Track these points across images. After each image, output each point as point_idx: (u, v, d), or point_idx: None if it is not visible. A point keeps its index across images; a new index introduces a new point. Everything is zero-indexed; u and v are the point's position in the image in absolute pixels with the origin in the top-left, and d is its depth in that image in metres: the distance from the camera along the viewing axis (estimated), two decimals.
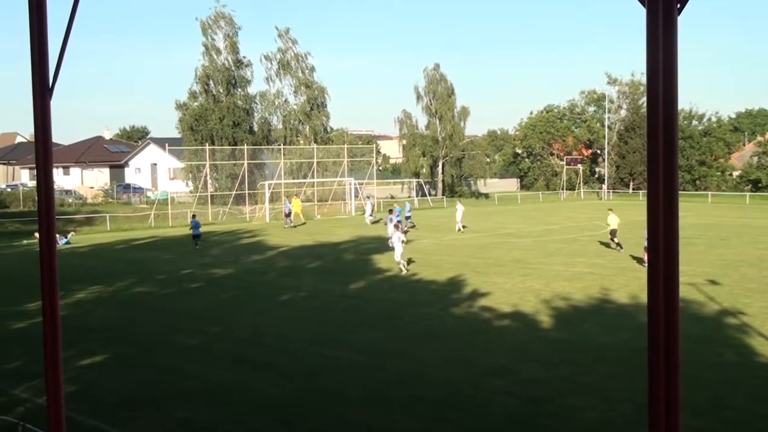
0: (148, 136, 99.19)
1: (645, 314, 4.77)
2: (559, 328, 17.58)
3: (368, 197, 52.93)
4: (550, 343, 16.31)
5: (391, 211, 33.37)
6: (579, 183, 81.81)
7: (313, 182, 59.37)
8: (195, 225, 36.77)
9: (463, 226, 40.81)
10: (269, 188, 53.50)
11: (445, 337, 16.97)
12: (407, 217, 45.23)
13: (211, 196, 55.29)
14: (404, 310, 20.03)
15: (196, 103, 63.92)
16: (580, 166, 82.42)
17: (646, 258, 29.43)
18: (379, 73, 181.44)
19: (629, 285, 22.65)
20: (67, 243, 37.95)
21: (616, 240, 31.68)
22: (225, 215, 53.41)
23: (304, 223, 47.54)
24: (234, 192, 55.97)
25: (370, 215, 48.23)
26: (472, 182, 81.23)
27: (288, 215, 46.40)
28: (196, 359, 15.40)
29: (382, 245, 34.83)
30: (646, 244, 27.76)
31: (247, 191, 54.99)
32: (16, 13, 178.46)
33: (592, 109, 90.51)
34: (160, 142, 74.06)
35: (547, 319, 18.53)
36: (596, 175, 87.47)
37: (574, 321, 18.36)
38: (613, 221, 32.17)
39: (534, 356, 15.14)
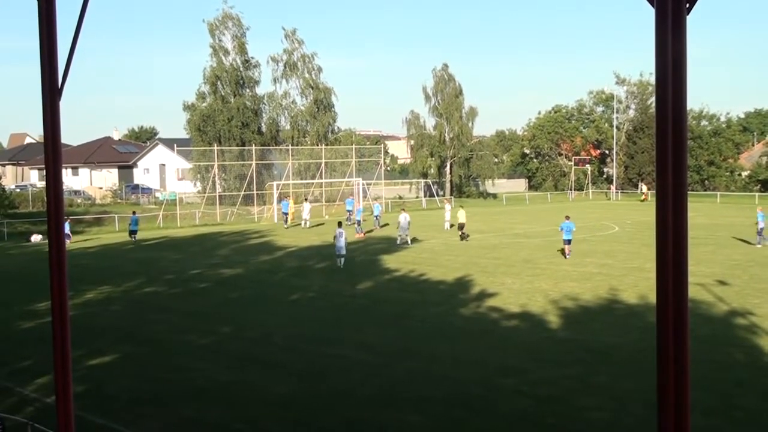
0: (157, 137, 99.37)
1: (654, 314, 4.76)
2: (568, 329, 17.55)
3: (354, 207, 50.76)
4: (559, 343, 16.29)
5: (340, 224, 31.68)
6: (587, 183, 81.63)
7: (321, 183, 59.43)
8: (133, 221, 39.71)
9: (451, 225, 40.84)
10: (277, 188, 53.56)
11: (453, 336, 16.97)
12: (376, 217, 45.19)
13: (220, 196, 55.40)
14: (413, 309, 20.03)
15: (204, 104, 64.06)
16: (588, 167, 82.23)
17: (568, 251, 29.43)
18: (387, 73, 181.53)
19: (638, 285, 22.59)
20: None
21: (462, 232, 36.61)
22: (233, 215, 53.52)
23: (298, 225, 46.91)
24: (242, 192, 56.06)
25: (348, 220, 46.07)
26: (480, 182, 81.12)
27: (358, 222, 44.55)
28: (205, 359, 15.45)
29: (391, 245, 34.84)
30: (564, 237, 28.03)
31: (255, 191, 55.11)
32: (25, 14, 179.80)
33: (600, 109, 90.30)
34: (169, 143, 74.23)
35: (555, 319, 18.50)
36: (604, 176, 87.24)
37: (583, 321, 18.32)
38: (462, 216, 37.18)
39: (543, 356, 15.12)
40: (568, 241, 29.84)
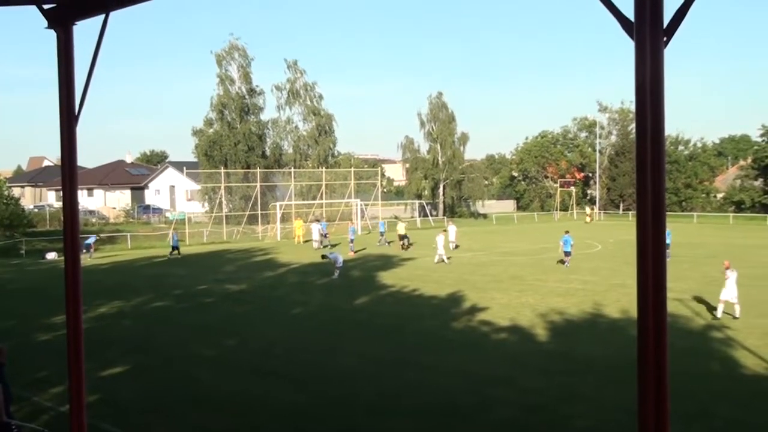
0: (167, 160, 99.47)
1: (635, 328, 4.76)
2: (554, 341, 17.51)
3: (318, 220, 50.15)
4: (545, 354, 16.25)
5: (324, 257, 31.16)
6: (572, 204, 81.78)
7: (322, 203, 59.45)
8: (174, 239, 40.90)
9: (448, 258, 34.90)
10: (280, 209, 53.55)
11: (446, 348, 16.91)
12: (324, 235, 44.93)
13: (226, 216, 55.43)
14: (408, 323, 19.97)
15: (211, 130, 64.18)
16: (573, 188, 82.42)
17: (565, 260, 31.60)
18: (384, 100, 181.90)
19: (620, 300, 22.56)
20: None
21: (405, 243, 40.92)
22: (239, 234, 53.43)
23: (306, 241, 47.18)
24: (247, 212, 56.01)
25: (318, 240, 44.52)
26: (471, 203, 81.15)
27: (325, 236, 44.82)
28: (212, 370, 15.36)
29: (388, 262, 34.80)
30: (563, 249, 30.33)
31: (259, 211, 55.01)
32: (45, 44, 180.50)
33: (584, 134, 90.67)
34: (178, 166, 74.31)
35: (542, 332, 18.46)
36: (588, 197, 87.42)
37: (569, 334, 18.29)
38: (401, 228, 42.14)
39: (530, 367, 15.07)
40: (568, 253, 32.27)
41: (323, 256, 30.98)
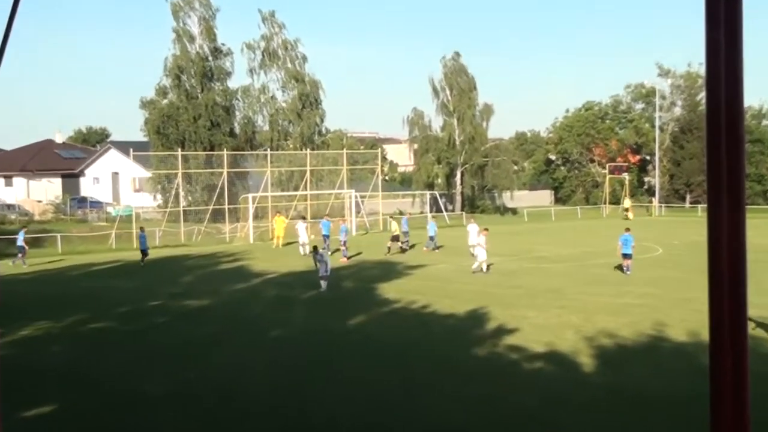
0: (108, 140, 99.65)
1: (706, 355, 4.71)
2: (604, 372, 17.50)
3: (303, 218, 50.07)
4: (591, 388, 16.24)
5: (315, 250, 31.06)
6: (625, 195, 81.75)
7: (306, 195, 59.50)
8: (143, 240, 40.48)
9: (488, 266, 36.45)
10: (254, 202, 53.67)
11: (464, 380, 16.89)
12: (431, 238, 45.03)
13: (184, 211, 55.55)
14: (415, 349, 19.96)
15: (165, 101, 64.39)
16: (626, 176, 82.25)
17: (625, 265, 32.67)
18: (385, 64, 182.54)
19: (687, 320, 22.53)
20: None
21: (401, 243, 43.13)
22: (200, 235, 53.56)
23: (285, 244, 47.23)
24: (211, 207, 56.16)
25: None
26: (496, 195, 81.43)
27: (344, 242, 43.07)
28: (165, 412, 15.31)
29: (390, 271, 34.84)
30: (621, 252, 31.31)
31: (227, 206, 55.13)
32: None
33: (639, 106, 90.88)
34: (123, 147, 74.48)
35: (588, 360, 18.45)
36: (645, 186, 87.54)
37: (622, 363, 18.31)
38: (404, 224, 44.88)
39: (573, 405, 15.05)
40: (627, 255, 32.90)
41: (314, 251, 30.78)
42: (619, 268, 33.29)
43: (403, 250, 42.83)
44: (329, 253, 36.44)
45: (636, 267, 34.14)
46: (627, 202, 75.04)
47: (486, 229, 37.42)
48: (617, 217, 72.94)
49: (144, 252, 40.24)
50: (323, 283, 29.60)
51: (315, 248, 31.11)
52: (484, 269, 34.23)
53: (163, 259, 43.09)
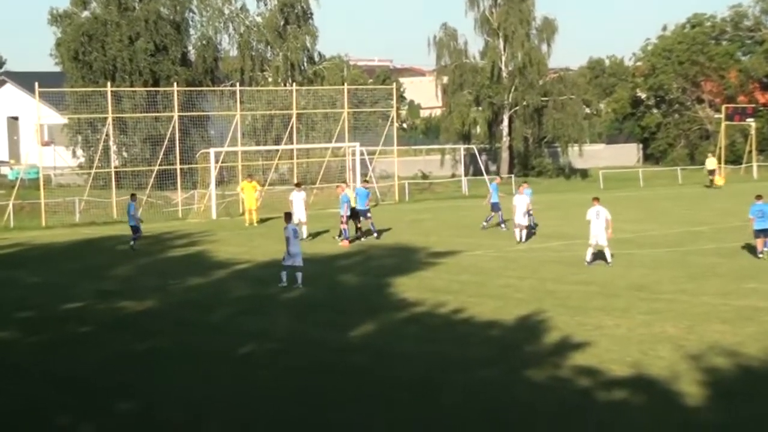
0: (2, 71, 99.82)
1: None
2: (716, 407, 17.37)
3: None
4: (700, 431, 16.13)
5: (289, 217, 31.06)
6: (750, 151, 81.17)
7: (292, 149, 59.26)
8: (131, 209, 40.25)
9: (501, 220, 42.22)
10: (217, 160, 53.58)
11: (515, 420, 16.82)
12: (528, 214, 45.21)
13: (117, 174, 55.43)
14: (444, 373, 19.89)
15: (86, 12, 64.29)
16: (751, 122, 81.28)
17: (759, 246, 33.22)
18: None
19: None
20: None
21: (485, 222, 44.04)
22: (141, 207, 53.50)
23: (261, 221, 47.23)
24: (156, 167, 55.98)
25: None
26: (560, 150, 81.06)
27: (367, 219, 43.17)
28: None
29: (408, 260, 34.88)
30: (754, 227, 31.97)
31: (178, 166, 55.02)
32: None
33: None
34: (25, 80, 74.19)
35: (694, 389, 18.30)
36: None
37: (744, 392, 18.20)
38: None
39: None
40: (763, 232, 33.11)
41: (287, 218, 30.71)
42: (749, 249, 33.48)
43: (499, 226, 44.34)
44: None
45: (750, 254, 34.02)
46: (711, 163, 73.29)
47: (596, 198, 36.34)
48: (738, 181, 72.46)
49: (135, 229, 39.68)
50: (299, 276, 29.71)
51: (288, 216, 30.77)
52: (522, 238, 37.43)
53: (85, 241, 43.40)
